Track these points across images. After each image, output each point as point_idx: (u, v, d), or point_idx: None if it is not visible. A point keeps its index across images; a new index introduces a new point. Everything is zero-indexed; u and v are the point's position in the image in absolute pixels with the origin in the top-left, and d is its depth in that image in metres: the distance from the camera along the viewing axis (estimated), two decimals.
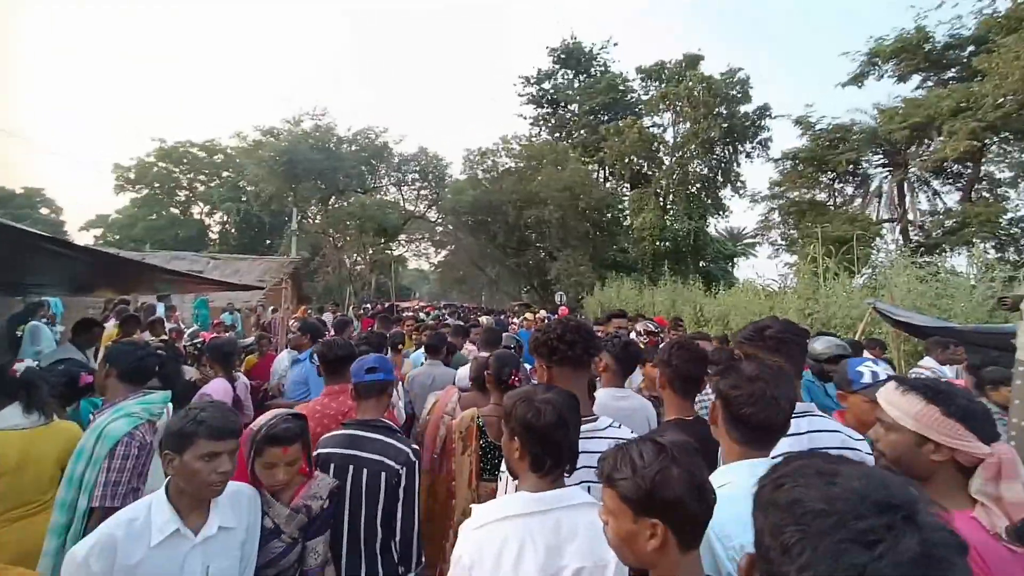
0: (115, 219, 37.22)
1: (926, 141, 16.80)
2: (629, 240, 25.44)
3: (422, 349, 4.53)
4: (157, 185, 36.33)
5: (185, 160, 36.84)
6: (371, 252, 24.50)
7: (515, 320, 11.49)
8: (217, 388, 3.16)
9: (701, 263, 25.19)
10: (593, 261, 22.78)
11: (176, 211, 37.45)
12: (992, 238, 16.24)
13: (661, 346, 2.16)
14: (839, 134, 17.84)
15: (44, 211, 39.17)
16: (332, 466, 1.91)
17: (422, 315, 11.63)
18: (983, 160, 16.29)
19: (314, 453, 1.94)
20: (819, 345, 3.09)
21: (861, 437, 1.65)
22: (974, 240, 16.20)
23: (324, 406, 2.51)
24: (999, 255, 16.15)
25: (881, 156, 18.01)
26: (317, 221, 25.53)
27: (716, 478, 1.18)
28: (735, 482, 1.19)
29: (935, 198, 18.23)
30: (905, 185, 17.36)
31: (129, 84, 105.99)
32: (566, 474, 1.34)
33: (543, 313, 11.78)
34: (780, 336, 1.68)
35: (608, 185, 26.69)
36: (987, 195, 17.31)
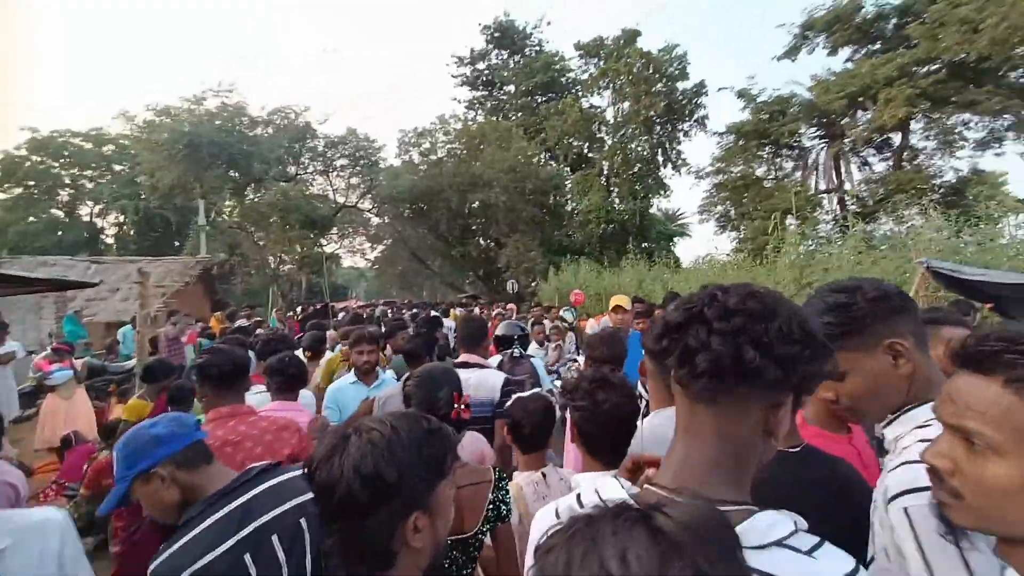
0: None
1: (859, 112, 17.25)
2: (573, 224, 24.86)
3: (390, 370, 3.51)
4: (31, 183, 30.98)
5: (66, 153, 31.64)
6: (299, 249, 22.00)
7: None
8: None
9: (643, 244, 25.17)
10: (542, 246, 21.88)
11: (59, 212, 32.25)
12: (918, 204, 17.05)
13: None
14: (779, 106, 17.98)
15: None
16: None
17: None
18: (909, 132, 16.97)
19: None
20: None
21: None
22: (903, 206, 16.93)
23: (249, 426, 1.89)
24: (924, 219, 16.97)
25: (817, 128, 18.37)
26: (234, 216, 22.56)
27: None
28: None
29: (864, 168, 18.93)
30: (840, 157, 17.79)
31: None
32: None
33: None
34: None
35: (550, 168, 25.86)
36: (908, 165, 18.17)
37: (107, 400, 4.98)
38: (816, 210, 17.60)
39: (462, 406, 1.66)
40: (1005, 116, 15.63)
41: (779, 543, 0.64)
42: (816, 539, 0.67)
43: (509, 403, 2.03)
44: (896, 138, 17.77)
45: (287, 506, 1.28)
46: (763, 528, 0.66)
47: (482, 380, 2.57)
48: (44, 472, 3.92)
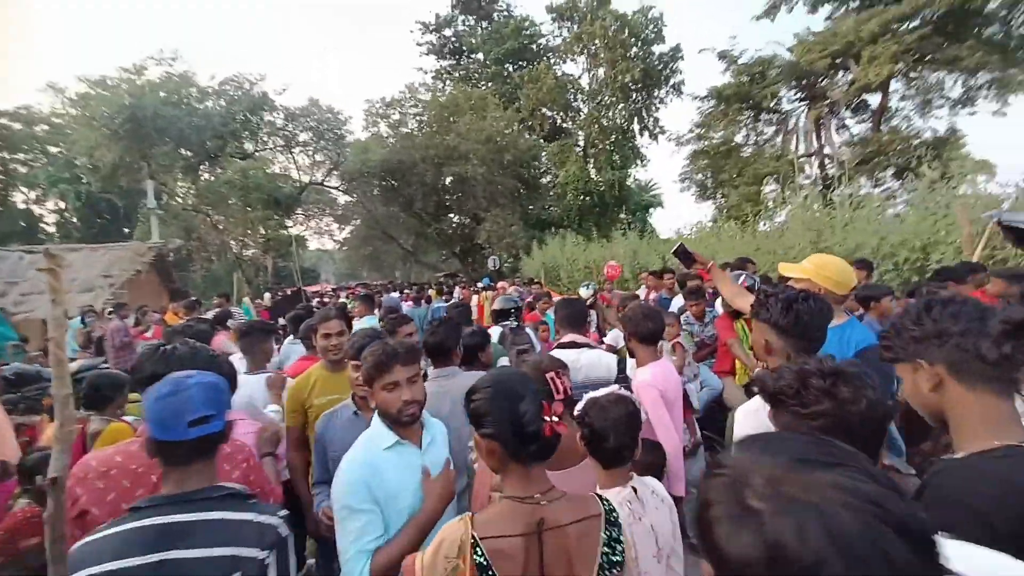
0: None
1: (840, 73, 17.00)
2: (549, 197, 24.25)
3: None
4: None
5: None
6: (263, 231, 20.56)
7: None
8: None
9: (621, 215, 24.83)
10: (521, 220, 21.18)
11: None
12: (895, 166, 17.10)
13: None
14: (760, 68, 17.56)
15: None
16: None
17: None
18: (888, 92, 16.85)
19: None
20: None
21: None
22: (884, 168, 16.94)
23: (128, 457, 1.55)
24: (900, 182, 17.09)
25: (798, 91, 18.08)
26: (188, 198, 20.84)
27: None
28: None
29: (842, 131, 18.84)
30: (821, 120, 17.59)
31: None
32: None
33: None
34: None
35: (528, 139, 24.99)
36: (884, 128, 18.15)
37: (40, 414, 4.10)
38: (797, 175, 17.47)
39: (554, 419, 1.20)
40: (980, 74, 15.66)
41: None
42: None
43: (581, 405, 1.61)
44: (873, 100, 17.67)
45: (218, 552, 1.15)
46: None
47: (594, 360, 2.50)
48: None
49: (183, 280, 17.33)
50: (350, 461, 1.54)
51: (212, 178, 20.44)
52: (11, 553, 2.03)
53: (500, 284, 9.37)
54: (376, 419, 1.64)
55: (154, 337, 6.33)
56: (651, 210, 28.96)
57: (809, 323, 1.41)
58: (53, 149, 29.09)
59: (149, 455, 1.26)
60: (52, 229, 30.42)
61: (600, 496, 1.25)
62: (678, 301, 4.71)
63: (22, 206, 30.53)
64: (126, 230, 27.59)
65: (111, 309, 6.77)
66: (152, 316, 8.66)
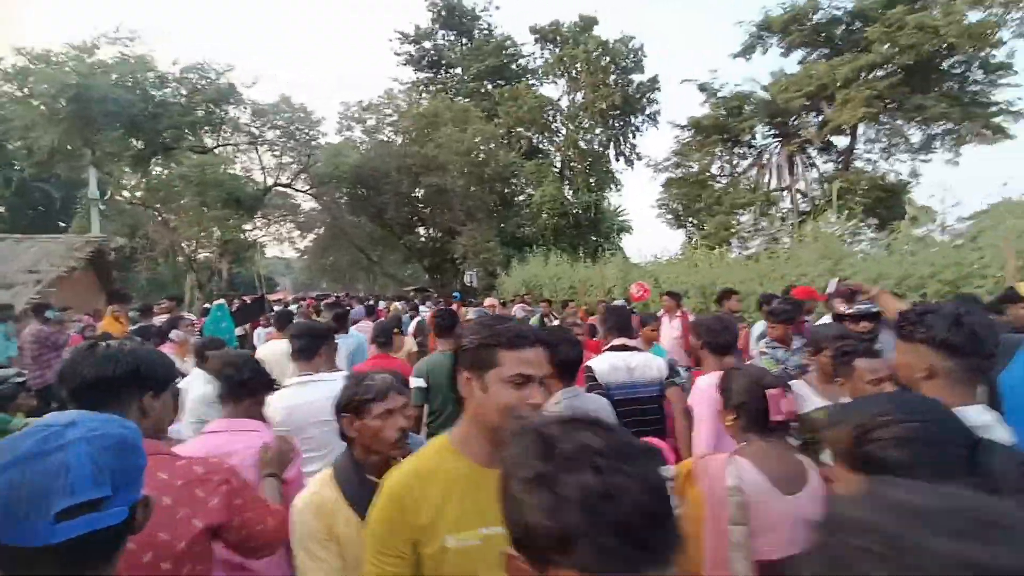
0: None
1: (810, 114, 17.70)
2: (524, 215, 24.05)
3: None
4: None
5: None
6: (219, 233, 19.01)
7: None
8: None
9: (592, 237, 24.91)
10: (497, 237, 20.71)
11: None
12: (862, 204, 17.86)
13: None
14: (737, 103, 18.05)
15: None
16: None
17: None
18: (856, 135, 17.65)
19: None
20: None
21: None
22: (851, 206, 17.61)
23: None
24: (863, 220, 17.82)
25: (771, 127, 18.70)
26: (136, 192, 19.10)
27: None
28: None
29: (811, 169, 19.58)
30: (794, 156, 18.21)
31: None
32: None
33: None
34: None
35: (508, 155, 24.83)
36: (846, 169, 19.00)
37: None
38: (771, 208, 17.90)
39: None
40: (938, 124, 16.64)
41: None
42: None
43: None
44: (840, 141, 18.49)
45: None
46: None
47: (646, 361, 2.72)
48: None
49: (124, 281, 15.67)
50: None
51: (165, 172, 18.84)
52: None
53: (488, 302, 8.73)
54: None
55: (71, 344, 5.25)
56: (620, 234, 29.28)
57: (986, 338, 1.26)
58: None
59: None
60: None
61: None
62: (758, 326, 4.38)
63: None
64: (61, 223, 25.08)
65: (32, 311, 5.63)
66: (79, 320, 7.41)
